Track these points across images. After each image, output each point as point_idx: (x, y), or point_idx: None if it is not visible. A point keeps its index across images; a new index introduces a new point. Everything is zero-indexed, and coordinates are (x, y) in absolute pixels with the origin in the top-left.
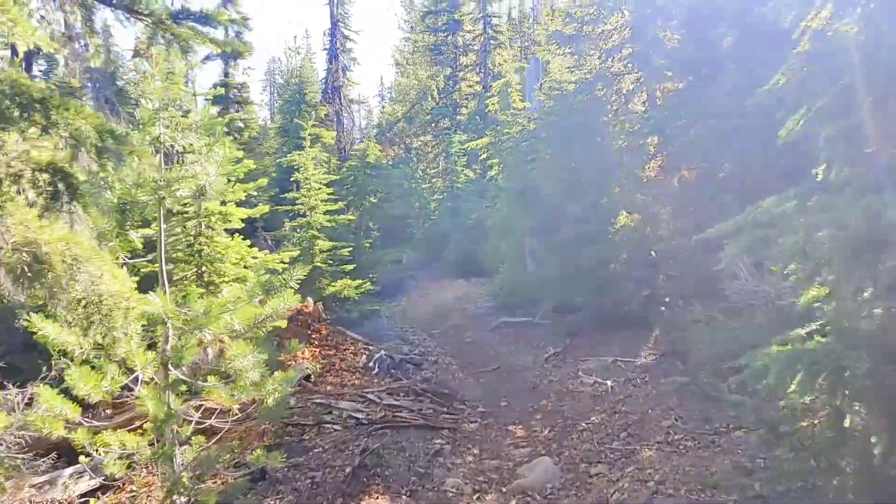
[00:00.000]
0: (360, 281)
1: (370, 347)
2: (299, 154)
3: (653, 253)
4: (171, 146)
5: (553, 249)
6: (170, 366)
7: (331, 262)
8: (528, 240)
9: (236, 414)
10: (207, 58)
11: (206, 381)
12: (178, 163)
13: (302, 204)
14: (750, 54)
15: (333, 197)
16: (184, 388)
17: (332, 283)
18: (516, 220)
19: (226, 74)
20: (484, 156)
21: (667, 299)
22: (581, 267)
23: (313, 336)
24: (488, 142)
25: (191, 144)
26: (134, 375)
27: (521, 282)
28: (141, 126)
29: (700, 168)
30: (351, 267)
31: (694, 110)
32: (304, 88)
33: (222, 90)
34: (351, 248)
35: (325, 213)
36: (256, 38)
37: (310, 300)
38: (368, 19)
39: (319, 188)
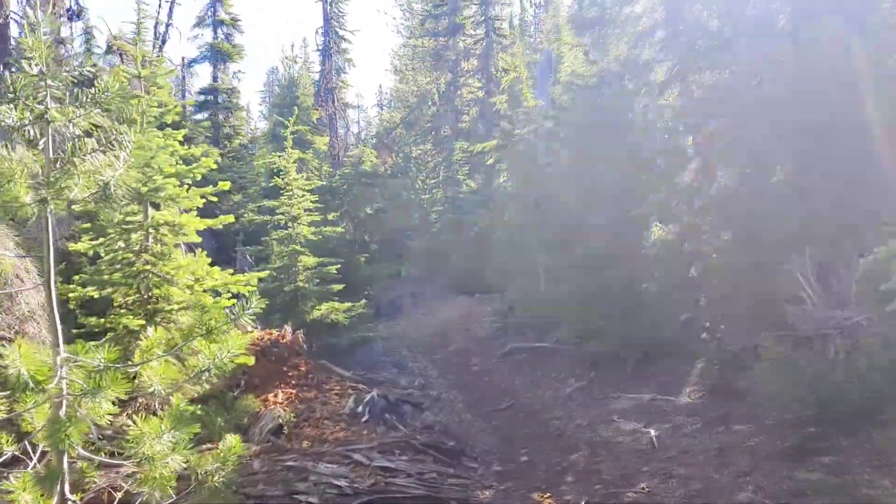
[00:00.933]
0: (351, 303)
1: (360, 386)
2: (280, 156)
3: (693, 271)
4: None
5: (572, 266)
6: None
7: (318, 280)
8: (541, 255)
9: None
10: (194, 61)
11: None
12: (72, 153)
13: (283, 214)
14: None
15: (321, 206)
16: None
17: (318, 307)
18: (528, 233)
19: (214, 79)
20: (491, 160)
21: (707, 324)
22: (606, 286)
23: (290, 374)
24: (496, 144)
25: (95, 128)
26: None
27: (533, 301)
28: (16, 98)
29: (749, 172)
30: (340, 287)
31: (741, 104)
32: (294, 90)
33: (210, 96)
34: (339, 266)
35: (311, 224)
36: (254, 39)
37: (287, 328)
38: (366, 26)
39: (303, 195)
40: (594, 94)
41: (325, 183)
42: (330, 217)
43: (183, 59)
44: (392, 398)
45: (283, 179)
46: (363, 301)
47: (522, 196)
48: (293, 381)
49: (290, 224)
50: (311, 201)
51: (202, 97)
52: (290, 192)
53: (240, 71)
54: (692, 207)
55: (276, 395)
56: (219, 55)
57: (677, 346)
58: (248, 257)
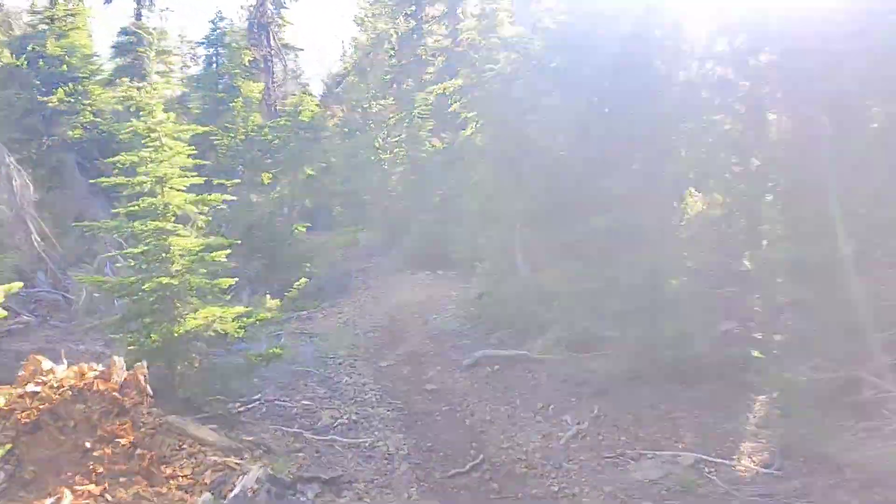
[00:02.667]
0: (244, 308)
1: (230, 461)
2: (137, 88)
3: (747, 262)
4: None
5: (566, 248)
6: None
7: (205, 272)
8: (521, 231)
9: None
10: None
11: None
12: None
13: (144, 175)
14: None
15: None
16: None
17: (194, 315)
18: (504, 201)
19: (138, 17)
20: (455, 106)
21: (759, 337)
22: (615, 279)
23: (100, 451)
24: (461, 85)
25: None
26: None
27: (509, 292)
28: None
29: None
30: (231, 281)
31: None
32: (222, 28)
33: (132, 37)
34: (228, 251)
35: (191, 189)
36: None
37: (117, 361)
38: None
39: (172, 149)
40: (601, 6)
41: (251, 135)
42: (265, 181)
43: None
44: (286, 478)
45: (143, 124)
46: (271, 301)
47: (496, 152)
48: (103, 466)
49: (155, 189)
50: (188, 155)
51: (123, 38)
52: (156, 143)
53: (167, 8)
54: (747, 168)
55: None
56: None
57: (719, 369)
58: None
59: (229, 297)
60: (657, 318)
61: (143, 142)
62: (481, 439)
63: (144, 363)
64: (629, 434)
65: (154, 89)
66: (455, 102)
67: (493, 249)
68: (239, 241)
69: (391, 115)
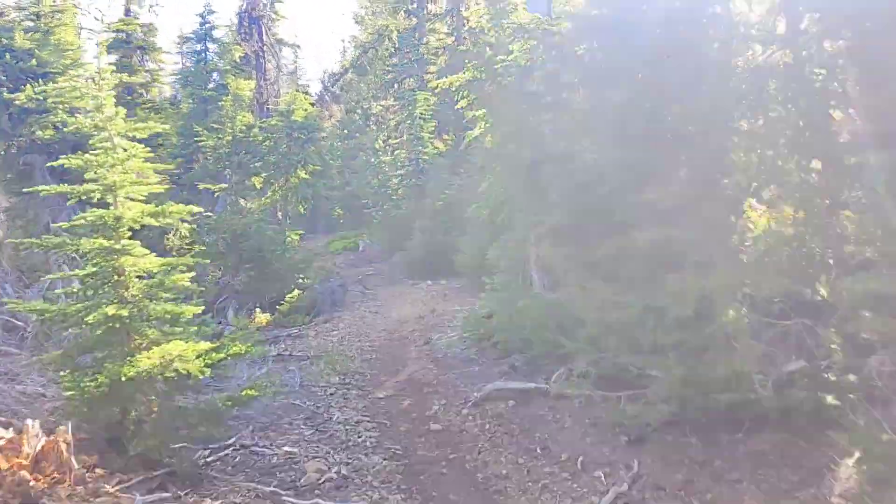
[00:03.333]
0: (213, 344)
1: None
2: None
3: (822, 290)
4: None
5: (593, 268)
6: None
7: (167, 298)
8: (538, 244)
9: None
10: None
11: None
12: None
13: (95, 182)
14: None
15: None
16: None
17: (149, 354)
18: (516, 210)
19: (127, 13)
20: (462, 103)
21: (833, 379)
22: (658, 308)
23: None
24: (470, 78)
25: None
26: None
27: (523, 314)
28: None
29: None
30: (197, 310)
31: None
32: (211, 21)
33: (121, 34)
34: (192, 273)
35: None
36: None
37: (31, 426)
38: None
39: (126, 151)
40: None
41: (239, 136)
42: (256, 183)
43: None
44: None
45: (91, 121)
46: (261, 315)
47: (509, 156)
48: None
49: (107, 199)
50: (143, 158)
51: (111, 35)
52: (106, 144)
53: (157, 3)
54: (822, 176)
55: None
56: None
57: (785, 418)
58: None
59: (196, 327)
60: (708, 354)
61: (90, 143)
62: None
63: (68, 427)
64: (680, 501)
65: (103, 79)
66: (462, 99)
67: (504, 263)
68: (223, 252)
69: (392, 116)
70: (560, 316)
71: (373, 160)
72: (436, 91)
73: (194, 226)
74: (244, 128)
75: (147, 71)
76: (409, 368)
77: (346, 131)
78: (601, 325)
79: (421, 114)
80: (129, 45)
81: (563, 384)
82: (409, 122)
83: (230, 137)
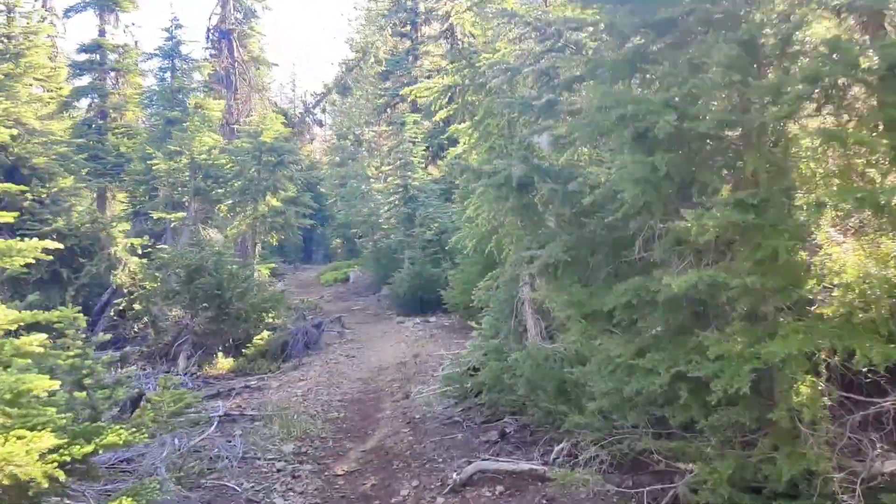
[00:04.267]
0: (61, 440)
1: None
2: None
3: None
4: None
5: (607, 318)
6: None
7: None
8: (531, 284)
9: None
10: (73, 9)
11: None
12: None
13: None
14: None
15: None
16: None
17: None
18: (507, 243)
19: (101, 33)
20: (442, 114)
21: None
22: (694, 378)
23: None
24: (450, 84)
25: None
26: None
27: (515, 368)
28: None
29: None
30: (50, 384)
31: None
32: (178, 36)
33: (95, 55)
34: (44, 337)
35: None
36: None
37: None
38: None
39: None
40: None
41: (200, 160)
42: (221, 212)
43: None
44: None
45: None
46: (223, 360)
47: (496, 175)
48: None
49: None
50: None
51: (83, 56)
52: None
53: (133, 24)
54: None
55: None
56: (105, 1)
57: None
58: None
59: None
60: (766, 444)
61: None
62: None
63: None
64: None
65: None
66: (441, 110)
67: (494, 304)
68: (177, 289)
69: (385, 142)
70: (561, 375)
71: (363, 187)
72: (409, 100)
73: (144, 260)
74: (204, 150)
75: (121, 95)
76: (381, 432)
77: (337, 158)
78: (615, 396)
79: (410, 137)
80: (102, 67)
81: (564, 470)
82: (401, 146)
83: (188, 161)
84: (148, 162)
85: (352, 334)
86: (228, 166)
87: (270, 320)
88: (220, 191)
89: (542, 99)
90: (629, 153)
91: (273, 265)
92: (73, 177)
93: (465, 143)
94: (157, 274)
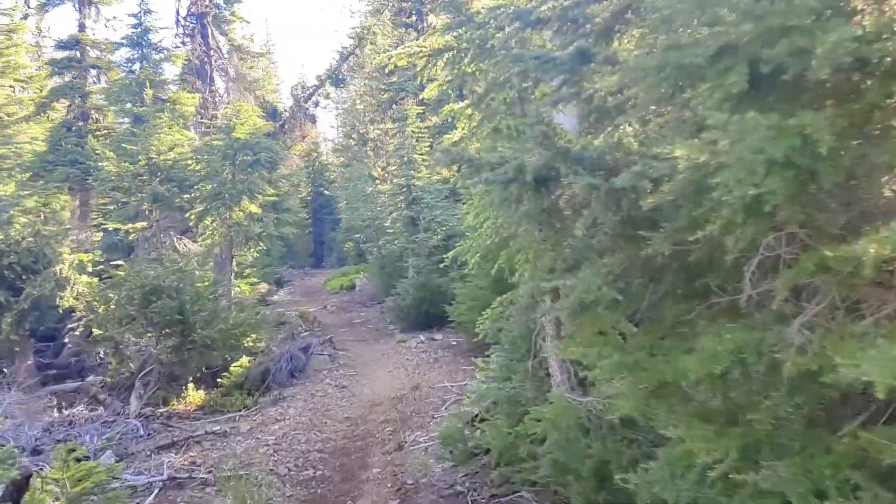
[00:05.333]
0: None
1: None
2: None
3: None
4: None
5: (680, 393)
6: None
7: None
8: (554, 321)
9: None
10: (49, 2)
11: None
12: None
13: None
14: None
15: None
16: None
17: None
18: (522, 259)
19: (81, 27)
20: (432, 90)
21: None
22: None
23: None
24: (441, 47)
25: None
26: None
27: (535, 429)
28: None
29: None
30: None
31: None
32: (148, 22)
33: (74, 52)
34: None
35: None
36: None
37: None
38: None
39: None
40: None
41: (160, 161)
42: (206, 222)
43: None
44: None
45: None
46: (194, 392)
47: (503, 166)
48: None
49: None
50: None
51: (62, 53)
52: None
53: (115, 17)
54: None
55: None
56: None
57: None
58: None
59: None
60: None
61: None
62: None
63: None
64: None
65: None
66: (431, 84)
67: (505, 337)
68: (132, 314)
69: (391, 140)
70: (602, 452)
71: (368, 189)
72: (386, 69)
73: (95, 279)
74: (163, 150)
75: (100, 94)
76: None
77: (342, 158)
78: (693, 483)
79: (413, 132)
80: (81, 65)
81: None
82: (407, 143)
83: (144, 163)
84: (99, 164)
85: (346, 357)
86: (197, 168)
87: (251, 343)
88: (185, 196)
89: (567, 49)
90: (750, 110)
91: (255, 280)
92: (13, 182)
93: (463, 128)
94: (110, 295)
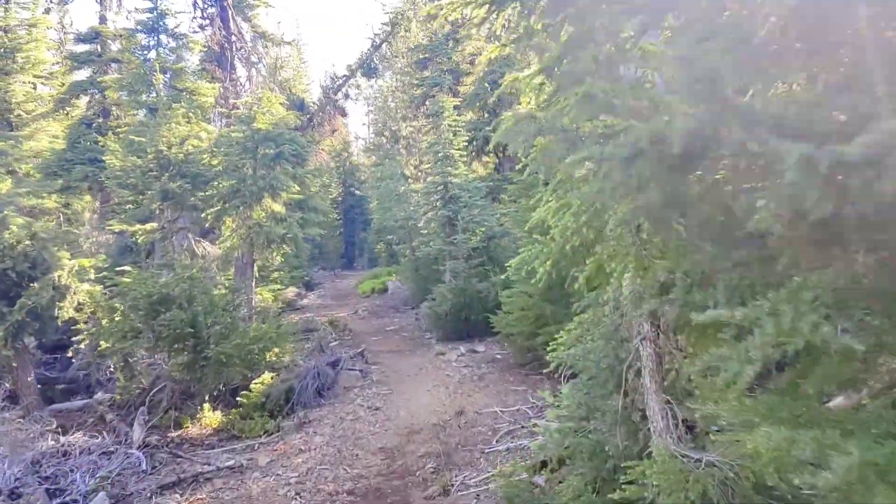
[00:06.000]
0: None
1: None
2: None
3: None
4: None
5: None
6: None
7: None
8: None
9: None
10: None
11: None
12: None
13: None
14: None
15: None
16: None
17: None
18: (613, 270)
19: (101, 20)
20: (493, 51)
21: None
22: None
23: None
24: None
25: None
26: None
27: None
28: None
29: None
30: None
31: None
32: (163, 6)
33: (94, 45)
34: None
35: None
36: None
37: None
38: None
39: None
40: None
41: (171, 154)
42: (226, 223)
43: None
44: None
45: None
46: (210, 414)
47: (635, 131)
48: None
49: None
50: None
51: (82, 47)
52: None
53: (136, 9)
54: None
55: None
56: None
57: None
58: None
59: None
60: None
61: None
62: None
63: None
64: None
65: None
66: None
67: (584, 364)
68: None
69: (424, 138)
70: None
71: (401, 188)
72: (431, 20)
73: (99, 287)
74: (174, 144)
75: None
76: None
77: (373, 157)
78: None
79: (449, 125)
80: (101, 59)
81: None
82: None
83: (153, 157)
84: (103, 157)
85: (379, 371)
86: (214, 163)
87: (274, 358)
88: (200, 194)
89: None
90: None
91: (281, 287)
92: (9, 180)
93: (528, 102)
94: (115, 305)
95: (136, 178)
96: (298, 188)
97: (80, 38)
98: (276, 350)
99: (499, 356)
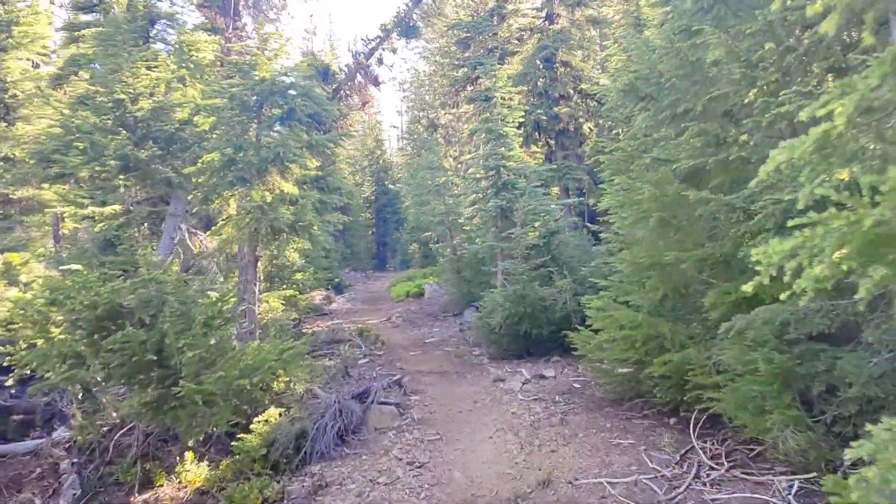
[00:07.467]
0: None
1: None
2: None
3: None
4: None
5: None
6: None
7: None
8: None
9: None
10: None
11: None
12: None
13: None
14: None
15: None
16: None
17: None
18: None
19: None
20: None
21: None
22: None
23: None
24: None
25: None
26: None
27: None
28: None
29: None
30: None
31: None
32: None
33: (97, 16)
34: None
35: None
36: None
37: None
38: None
39: None
40: None
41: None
42: (195, 204)
43: None
44: None
45: None
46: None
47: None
48: None
49: None
50: None
51: (81, 17)
52: None
53: None
54: None
55: None
56: None
57: None
58: None
59: None
60: None
61: None
62: None
63: None
64: None
65: None
66: None
67: None
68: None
69: (465, 126)
70: None
71: (440, 179)
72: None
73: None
74: (146, 91)
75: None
76: None
77: (408, 149)
78: None
79: (502, 98)
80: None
81: None
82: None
83: (110, 108)
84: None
85: (421, 404)
86: (203, 124)
87: (282, 386)
88: (178, 164)
89: None
90: None
91: (292, 292)
92: None
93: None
94: (47, 318)
95: (85, 141)
96: (316, 163)
97: (79, 7)
98: (285, 378)
99: (577, 385)
